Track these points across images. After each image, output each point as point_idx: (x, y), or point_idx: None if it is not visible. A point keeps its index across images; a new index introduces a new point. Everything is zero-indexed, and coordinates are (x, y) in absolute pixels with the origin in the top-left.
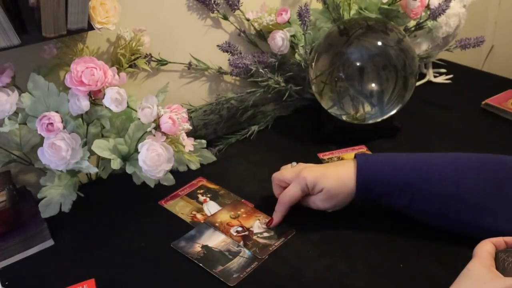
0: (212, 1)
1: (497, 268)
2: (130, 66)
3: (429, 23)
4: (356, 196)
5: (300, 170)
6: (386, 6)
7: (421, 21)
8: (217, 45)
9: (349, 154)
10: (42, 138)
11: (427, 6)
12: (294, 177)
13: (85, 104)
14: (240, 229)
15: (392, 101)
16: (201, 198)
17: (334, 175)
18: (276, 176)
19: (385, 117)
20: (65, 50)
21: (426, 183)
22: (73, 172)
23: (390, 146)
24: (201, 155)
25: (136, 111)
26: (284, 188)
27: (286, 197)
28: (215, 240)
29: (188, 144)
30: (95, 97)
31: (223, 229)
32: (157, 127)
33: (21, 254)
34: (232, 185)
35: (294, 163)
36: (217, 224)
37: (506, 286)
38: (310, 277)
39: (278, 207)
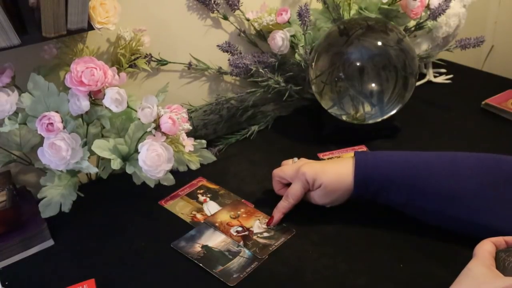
0: (212, 1)
1: (497, 268)
2: (130, 66)
3: (429, 23)
4: (354, 192)
5: (300, 166)
6: (386, 6)
7: (421, 21)
8: (217, 45)
9: (349, 154)
10: (42, 138)
11: (427, 6)
12: (294, 174)
13: (85, 104)
14: (240, 229)
15: (392, 101)
16: (201, 198)
17: (332, 171)
18: (277, 172)
19: (385, 117)
20: (65, 50)
21: (423, 181)
22: (73, 172)
23: (390, 146)
24: (201, 155)
25: (136, 111)
26: (284, 184)
27: (289, 196)
28: (215, 240)
29: (188, 144)
30: (95, 97)
31: (223, 229)
32: (157, 127)
33: (21, 254)
34: (232, 185)
35: (295, 159)
36: (217, 224)
37: (506, 285)
38: (310, 277)
39: (282, 203)
